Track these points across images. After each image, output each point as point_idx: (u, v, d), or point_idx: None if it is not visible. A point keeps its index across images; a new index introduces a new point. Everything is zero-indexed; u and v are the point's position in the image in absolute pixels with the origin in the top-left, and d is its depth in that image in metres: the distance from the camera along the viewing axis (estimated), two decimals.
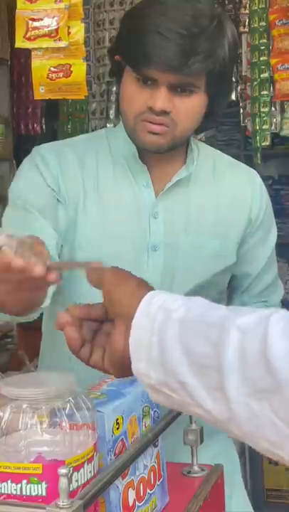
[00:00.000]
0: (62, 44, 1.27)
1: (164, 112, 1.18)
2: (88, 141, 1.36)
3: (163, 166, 1.29)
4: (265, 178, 5.37)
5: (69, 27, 1.27)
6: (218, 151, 1.43)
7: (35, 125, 4.47)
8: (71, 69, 1.28)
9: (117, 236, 1.26)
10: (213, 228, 1.30)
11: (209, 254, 1.27)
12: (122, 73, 1.23)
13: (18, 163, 5.15)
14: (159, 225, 1.27)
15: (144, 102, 1.19)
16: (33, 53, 1.29)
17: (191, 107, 1.20)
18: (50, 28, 1.26)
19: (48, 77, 1.28)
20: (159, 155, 1.26)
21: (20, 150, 4.45)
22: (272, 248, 1.40)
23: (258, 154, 3.37)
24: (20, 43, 1.28)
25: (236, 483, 1.43)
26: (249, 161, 3.32)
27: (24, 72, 4.38)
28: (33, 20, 1.26)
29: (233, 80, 4.18)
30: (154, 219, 1.28)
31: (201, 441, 1.10)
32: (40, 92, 1.30)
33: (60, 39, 1.27)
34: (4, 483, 0.79)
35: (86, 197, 1.28)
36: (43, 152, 1.30)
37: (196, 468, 1.10)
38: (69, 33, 1.27)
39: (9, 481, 0.79)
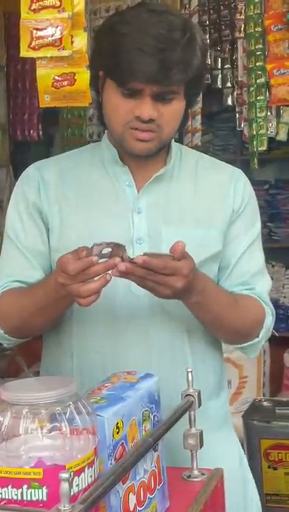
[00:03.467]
0: (66, 53, 1.28)
1: (151, 120, 1.26)
2: (74, 154, 1.47)
3: (144, 167, 1.36)
4: (261, 183, 5.38)
5: (72, 36, 1.28)
6: (202, 154, 1.49)
7: (31, 131, 4.48)
8: (75, 77, 1.30)
9: (102, 233, 1.32)
10: (195, 219, 1.36)
11: (193, 243, 1.31)
12: (104, 85, 1.32)
13: (15, 169, 5.13)
14: (143, 219, 1.34)
15: (130, 112, 1.27)
16: (37, 62, 1.30)
17: (173, 111, 1.30)
18: (54, 38, 1.28)
19: (52, 86, 1.30)
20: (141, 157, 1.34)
21: (17, 156, 4.46)
22: (254, 240, 1.43)
23: (255, 159, 3.38)
24: (24, 53, 1.29)
25: (248, 478, 1.46)
26: (246, 166, 3.33)
27: (21, 78, 4.39)
28: (38, 29, 1.27)
29: (229, 85, 4.21)
30: (137, 214, 1.35)
31: (201, 445, 1.10)
32: (46, 100, 1.32)
33: (64, 48, 1.28)
34: (5, 489, 0.79)
35: (69, 202, 1.37)
36: (30, 169, 1.42)
37: (196, 472, 1.10)
38: (72, 42, 1.28)
39: (10, 486, 0.79)
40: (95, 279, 1.14)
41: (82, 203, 1.36)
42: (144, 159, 1.34)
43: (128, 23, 1.26)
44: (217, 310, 1.31)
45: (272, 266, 4.28)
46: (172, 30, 1.25)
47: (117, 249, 1.15)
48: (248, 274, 1.41)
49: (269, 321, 1.41)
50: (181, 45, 1.24)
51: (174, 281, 1.16)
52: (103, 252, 1.14)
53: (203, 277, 1.27)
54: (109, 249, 1.14)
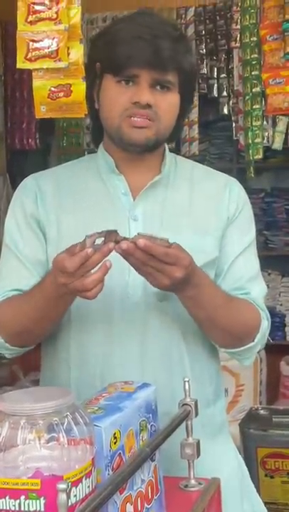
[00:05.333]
0: (62, 65, 1.30)
1: (148, 106, 1.29)
2: (71, 164, 1.49)
3: (139, 175, 1.38)
4: (257, 191, 5.39)
5: (68, 48, 1.30)
6: (197, 163, 1.51)
7: (29, 140, 4.48)
8: (71, 88, 1.32)
9: None
10: (191, 226, 1.37)
11: (189, 250, 1.33)
12: (101, 83, 1.34)
13: (12, 178, 5.13)
14: (139, 226, 1.35)
15: (128, 100, 1.30)
16: (33, 74, 1.31)
17: (169, 102, 1.33)
18: (50, 49, 1.29)
19: (49, 97, 1.32)
20: (136, 163, 1.36)
21: (14, 165, 4.47)
22: (249, 246, 1.44)
23: (251, 168, 3.39)
24: (21, 64, 1.30)
25: (249, 486, 1.46)
26: (242, 175, 3.34)
27: (18, 87, 4.40)
28: (34, 41, 1.29)
29: (225, 94, 4.23)
30: (134, 221, 1.36)
31: (198, 454, 1.10)
32: (42, 111, 1.33)
33: (60, 59, 1.29)
34: (2, 499, 0.79)
35: (66, 211, 1.38)
36: (27, 180, 1.44)
37: (193, 481, 1.10)
38: (68, 54, 1.30)
39: (7, 497, 0.79)
40: (95, 269, 1.14)
41: (79, 211, 1.37)
42: (135, 166, 1.36)
43: (122, 22, 1.35)
44: (211, 307, 1.30)
45: (269, 274, 4.29)
46: (164, 24, 1.33)
47: (110, 235, 1.15)
48: (243, 279, 1.41)
49: (264, 325, 1.41)
50: (172, 36, 1.30)
51: (173, 270, 1.17)
52: (97, 242, 1.15)
53: (200, 273, 1.27)
54: (102, 239, 1.15)
